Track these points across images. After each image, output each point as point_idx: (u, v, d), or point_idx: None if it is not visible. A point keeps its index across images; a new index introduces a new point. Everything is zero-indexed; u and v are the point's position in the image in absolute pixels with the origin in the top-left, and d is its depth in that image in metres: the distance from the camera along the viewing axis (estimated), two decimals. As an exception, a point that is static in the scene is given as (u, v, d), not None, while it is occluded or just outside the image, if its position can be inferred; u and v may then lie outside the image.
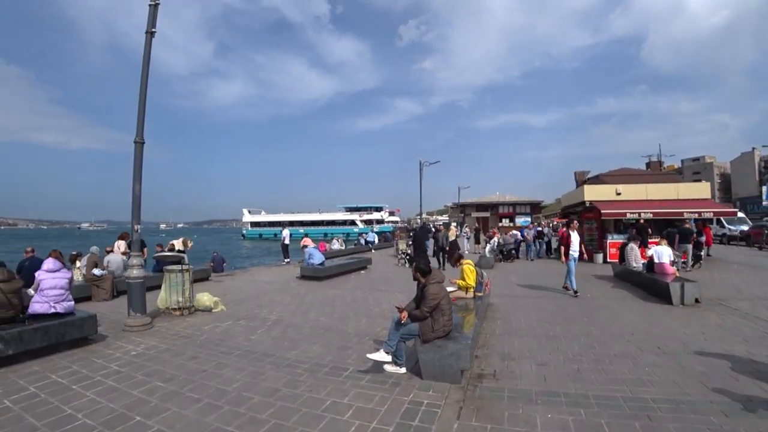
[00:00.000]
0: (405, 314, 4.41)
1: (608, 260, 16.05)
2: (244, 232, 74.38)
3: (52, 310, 5.53)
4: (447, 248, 16.15)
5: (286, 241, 18.75)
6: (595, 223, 17.92)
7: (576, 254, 9.20)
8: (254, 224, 73.11)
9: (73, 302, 5.85)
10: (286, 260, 18.08)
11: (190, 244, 12.18)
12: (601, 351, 5.32)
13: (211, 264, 13.99)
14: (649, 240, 14.55)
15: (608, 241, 16.59)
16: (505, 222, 56.54)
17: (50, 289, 5.59)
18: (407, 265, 16.44)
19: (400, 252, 18.03)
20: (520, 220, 55.73)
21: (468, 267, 6.74)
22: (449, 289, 7.06)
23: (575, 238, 9.23)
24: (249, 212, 74.91)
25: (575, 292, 9.07)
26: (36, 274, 5.75)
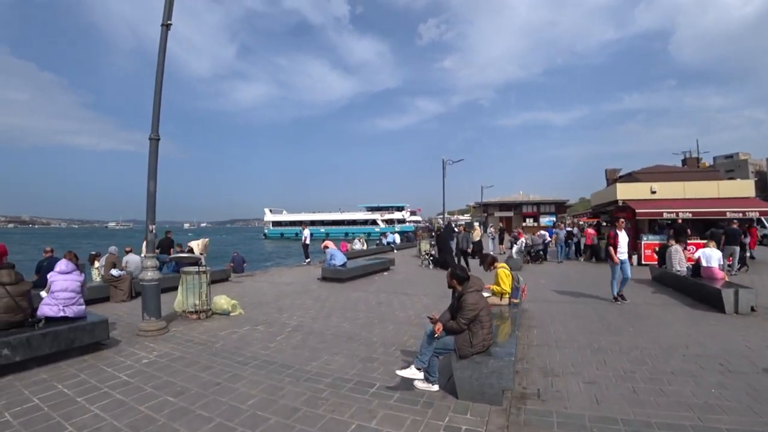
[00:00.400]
0: (439, 326, 3.94)
1: (643, 262, 15.25)
2: (266, 231, 74.83)
3: (61, 314, 5.26)
4: (468, 250, 15.33)
5: (307, 241, 18.35)
6: (628, 223, 17.08)
7: (624, 256, 8.48)
8: (276, 224, 73.44)
9: (84, 306, 5.58)
10: (306, 261, 17.81)
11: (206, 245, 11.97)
12: (655, 367, 4.74)
13: (231, 264, 13.75)
14: (689, 241, 13.70)
15: (643, 242, 15.76)
16: (529, 222, 55.46)
17: (61, 291, 5.33)
18: (431, 266, 15.96)
19: (424, 253, 17.55)
20: (544, 220, 54.55)
21: (503, 271, 6.23)
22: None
23: (623, 238, 8.51)
24: (270, 211, 75.27)
25: (615, 297, 8.43)
26: (48, 275, 5.52)
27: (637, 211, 16.10)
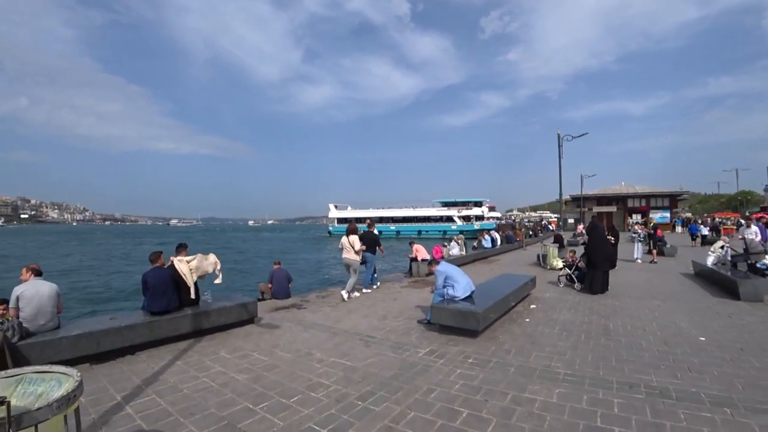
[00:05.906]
0: None
1: None
2: (330, 228, 70.96)
3: None
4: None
5: (357, 246, 8.95)
6: None
7: None
8: (341, 220, 69.30)
9: None
10: (374, 286, 10.13)
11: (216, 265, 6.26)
12: None
13: (269, 286, 8.42)
14: None
15: None
16: (636, 218, 46.31)
17: None
18: (577, 285, 9.84)
19: (564, 266, 11.23)
20: (656, 216, 45.20)
21: None
22: None
23: None
24: (335, 207, 71.25)
25: None
26: None
27: None
